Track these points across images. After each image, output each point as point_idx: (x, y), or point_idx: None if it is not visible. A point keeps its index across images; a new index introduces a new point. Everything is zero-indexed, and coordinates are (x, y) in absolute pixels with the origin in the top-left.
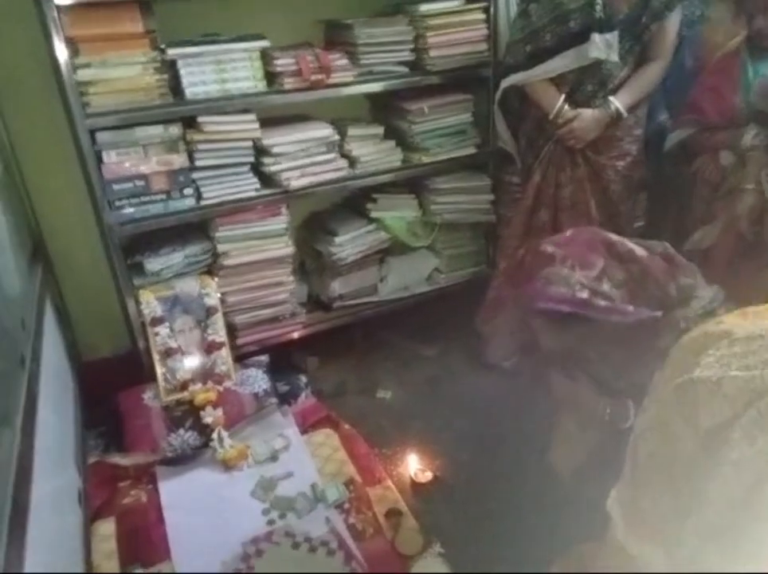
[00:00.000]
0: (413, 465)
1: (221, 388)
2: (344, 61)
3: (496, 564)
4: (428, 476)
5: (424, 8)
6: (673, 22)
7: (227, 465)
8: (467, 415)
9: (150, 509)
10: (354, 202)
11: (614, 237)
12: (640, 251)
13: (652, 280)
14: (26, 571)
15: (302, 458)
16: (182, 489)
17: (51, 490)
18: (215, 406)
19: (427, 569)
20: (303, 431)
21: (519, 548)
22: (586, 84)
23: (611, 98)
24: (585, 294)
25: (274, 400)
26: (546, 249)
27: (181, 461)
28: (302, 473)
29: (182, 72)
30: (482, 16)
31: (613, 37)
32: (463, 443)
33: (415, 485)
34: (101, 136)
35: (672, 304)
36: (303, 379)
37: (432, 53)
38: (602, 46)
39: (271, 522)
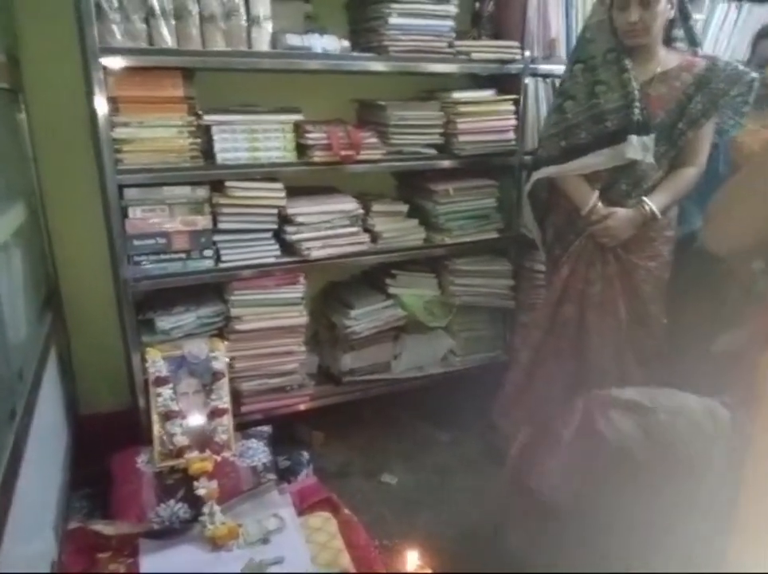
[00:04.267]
0: (413, 562)
1: (218, 458)
2: (374, 140)
3: None
4: None
5: (456, 95)
6: (708, 130)
7: (215, 544)
8: (476, 513)
9: None
10: (373, 277)
11: (617, 426)
12: (640, 452)
13: (648, 483)
14: None
15: (296, 542)
16: (164, 566)
17: (23, 555)
18: (210, 477)
19: None
20: (300, 513)
21: None
22: (620, 183)
23: (645, 199)
24: (573, 486)
25: (273, 477)
26: (557, 430)
27: (167, 534)
28: (294, 560)
29: (216, 137)
30: (511, 107)
31: (650, 139)
32: (468, 543)
33: None
34: (129, 192)
35: (671, 509)
36: (306, 455)
37: (461, 137)
38: (639, 148)
39: None
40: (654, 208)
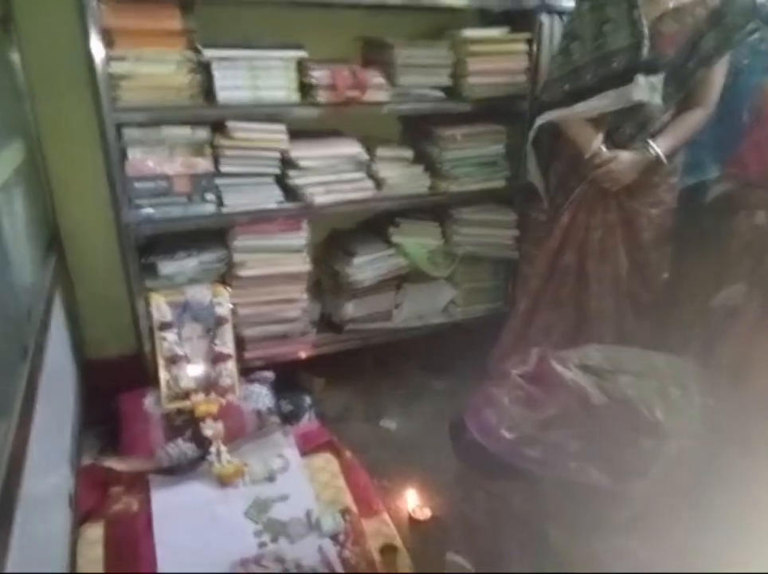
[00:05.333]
0: (413, 501)
1: (223, 401)
2: (380, 80)
3: None
4: (426, 513)
5: (467, 33)
6: (720, 70)
7: (223, 482)
8: None
9: (140, 518)
10: (376, 225)
11: (571, 376)
12: (598, 398)
13: (606, 439)
14: (8, 570)
15: (299, 481)
16: (174, 501)
17: (42, 488)
18: (216, 418)
19: None
20: (303, 454)
21: None
22: (625, 127)
23: (651, 142)
24: (510, 435)
25: (276, 419)
26: (508, 370)
27: (176, 471)
28: (298, 497)
29: (216, 74)
30: (524, 47)
31: (658, 80)
32: (465, 485)
33: (413, 522)
34: (128, 132)
35: (628, 471)
36: (308, 400)
37: (471, 79)
38: (646, 89)
39: (262, 545)
40: (659, 152)
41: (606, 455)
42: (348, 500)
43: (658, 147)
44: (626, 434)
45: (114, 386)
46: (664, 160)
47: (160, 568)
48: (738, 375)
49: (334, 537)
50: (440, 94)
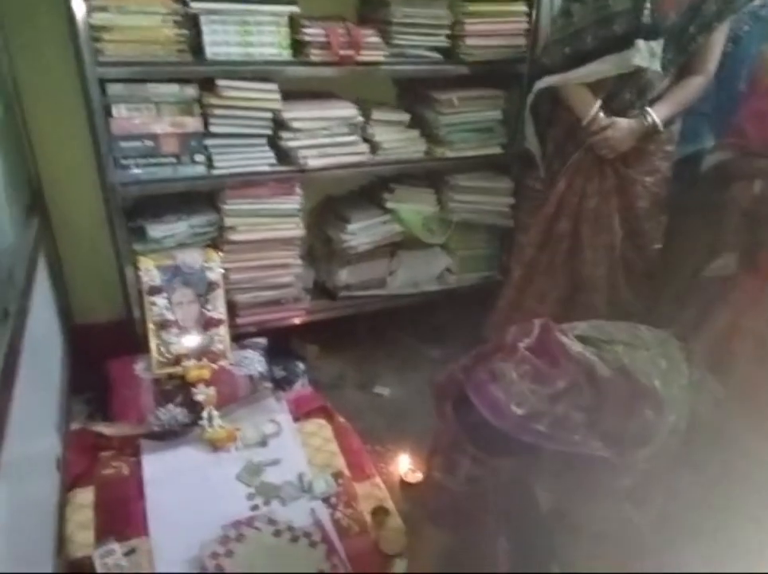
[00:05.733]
0: (404, 465)
1: (215, 367)
2: (376, 39)
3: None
4: (418, 477)
5: None
6: (721, 35)
7: (215, 446)
8: None
9: (131, 482)
10: (370, 191)
11: (576, 348)
12: (602, 369)
13: (609, 410)
14: None
15: (292, 445)
16: (165, 465)
17: (26, 452)
18: (208, 384)
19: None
20: (296, 419)
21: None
22: (624, 92)
23: (648, 109)
24: (521, 410)
25: (269, 384)
26: (512, 342)
27: (167, 436)
28: (290, 461)
29: (204, 29)
30: (524, 8)
31: (657, 45)
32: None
33: (404, 485)
34: (112, 88)
35: (631, 442)
36: (302, 366)
37: (469, 41)
38: (646, 54)
39: (254, 508)
40: (657, 119)
41: (609, 426)
42: (341, 463)
43: (656, 114)
44: (628, 404)
45: (103, 352)
46: (661, 127)
47: (151, 531)
48: (730, 342)
49: (326, 500)
50: (437, 56)
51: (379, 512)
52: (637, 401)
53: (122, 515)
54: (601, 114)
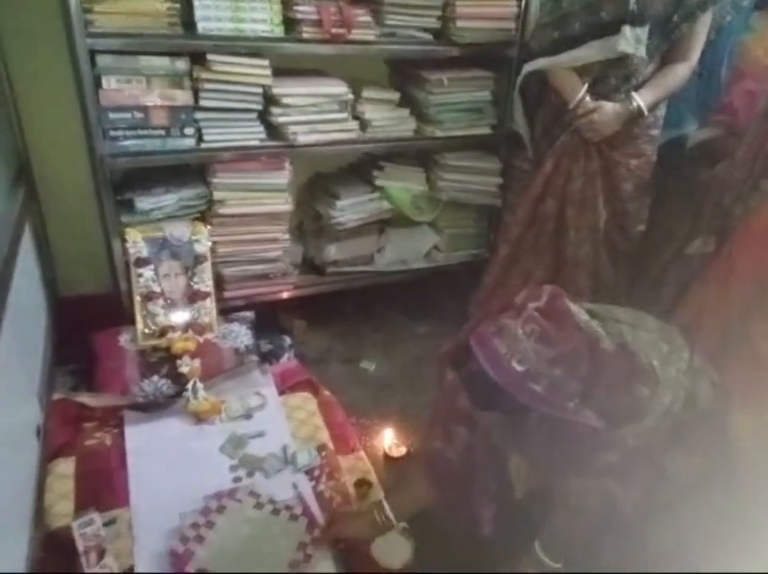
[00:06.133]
0: (389, 439)
1: (201, 339)
2: (368, 18)
3: (458, 543)
4: (402, 451)
5: None
6: (704, 24)
7: (199, 418)
8: None
9: (114, 453)
10: (360, 169)
11: (584, 317)
12: (606, 342)
13: (605, 383)
14: None
15: (276, 418)
16: (149, 436)
17: (4, 420)
18: (193, 356)
19: (389, 544)
20: (281, 392)
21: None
22: (610, 77)
23: (634, 94)
24: (520, 367)
25: (255, 358)
26: (522, 303)
27: (151, 407)
28: (274, 434)
29: (196, 3)
30: None
31: (643, 32)
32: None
33: (388, 459)
34: (102, 59)
35: (623, 416)
36: (288, 340)
37: (459, 23)
38: (632, 40)
39: (237, 480)
40: (642, 104)
41: (604, 398)
42: (325, 437)
43: (641, 99)
44: (625, 380)
45: (88, 324)
46: (646, 112)
47: (132, 501)
48: (701, 320)
49: (309, 472)
50: (429, 36)
51: (362, 484)
52: (634, 378)
53: (103, 485)
54: (588, 98)
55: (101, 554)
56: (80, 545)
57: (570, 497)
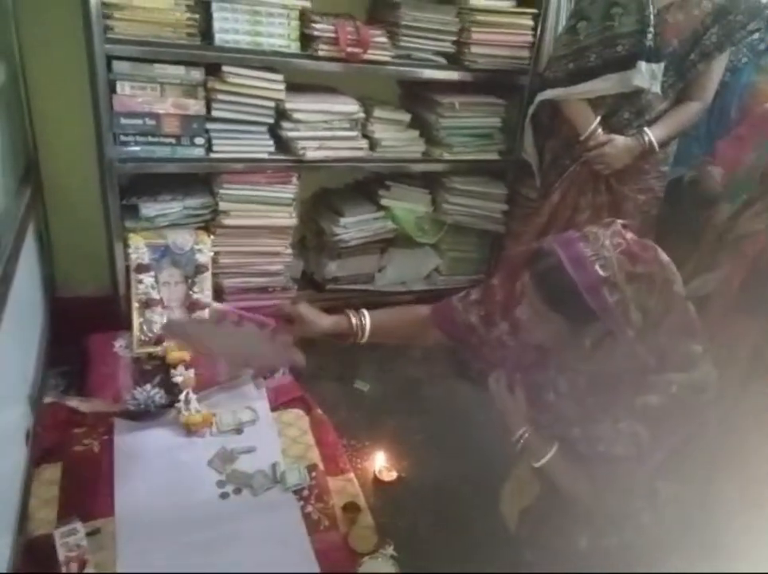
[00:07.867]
0: (380, 462)
1: None
2: (384, 39)
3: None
4: (392, 475)
5: (475, 1)
6: (720, 65)
7: (189, 430)
8: (442, 423)
9: (102, 461)
10: (366, 187)
11: (666, 258)
12: (679, 287)
13: (667, 326)
14: None
15: (268, 434)
16: (138, 446)
17: None
18: (188, 366)
19: (376, 570)
20: (274, 408)
21: (473, 561)
22: (623, 111)
23: (646, 129)
24: (602, 272)
25: (250, 371)
26: (612, 219)
27: (142, 416)
28: (265, 451)
29: (215, 15)
30: (530, 22)
31: (659, 68)
32: (433, 449)
33: (378, 483)
34: (118, 65)
35: (672, 364)
36: None
37: (474, 49)
38: (647, 76)
39: (224, 495)
40: (653, 139)
41: (661, 338)
42: (315, 456)
43: (653, 135)
44: (684, 330)
45: (85, 327)
46: (657, 147)
47: (117, 510)
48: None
49: (297, 492)
50: (443, 60)
51: (350, 508)
52: (692, 334)
53: (88, 494)
54: (600, 130)
55: (82, 565)
56: (61, 555)
57: (599, 443)
